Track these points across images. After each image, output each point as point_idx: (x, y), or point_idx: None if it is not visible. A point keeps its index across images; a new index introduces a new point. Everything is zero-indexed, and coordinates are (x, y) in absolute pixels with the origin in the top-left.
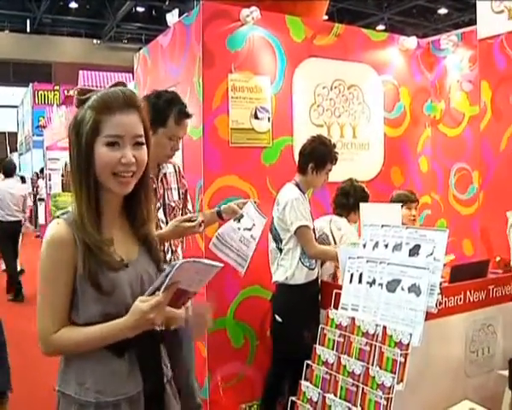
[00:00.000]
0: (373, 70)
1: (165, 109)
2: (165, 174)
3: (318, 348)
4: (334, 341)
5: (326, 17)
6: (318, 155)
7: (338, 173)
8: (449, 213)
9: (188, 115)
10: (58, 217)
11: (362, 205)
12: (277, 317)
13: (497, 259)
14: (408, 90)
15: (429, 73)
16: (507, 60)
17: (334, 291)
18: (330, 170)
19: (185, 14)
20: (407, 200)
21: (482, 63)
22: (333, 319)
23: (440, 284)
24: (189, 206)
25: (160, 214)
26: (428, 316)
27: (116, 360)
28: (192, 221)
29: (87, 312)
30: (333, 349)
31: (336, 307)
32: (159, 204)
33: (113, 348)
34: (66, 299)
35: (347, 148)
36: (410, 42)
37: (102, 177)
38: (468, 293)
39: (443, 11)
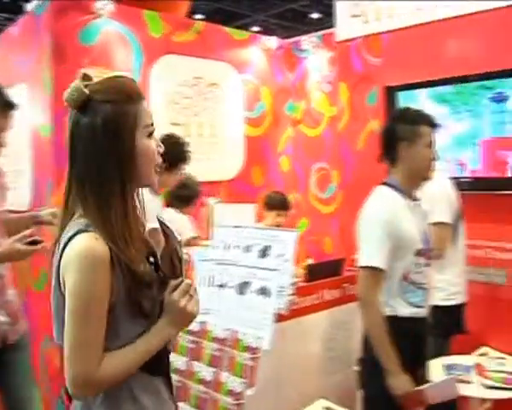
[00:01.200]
0: (233, 69)
1: None
2: None
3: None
4: (186, 347)
5: (201, 17)
6: (170, 154)
7: (196, 173)
8: (310, 213)
9: (12, 106)
10: (83, 231)
11: (215, 205)
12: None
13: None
14: (269, 89)
15: (290, 73)
16: (363, 62)
17: None
18: (184, 169)
19: (36, 2)
20: (280, 206)
21: (340, 65)
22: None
23: (295, 283)
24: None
25: None
26: (282, 317)
27: (160, 385)
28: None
29: (127, 337)
30: (186, 356)
31: None
32: None
33: (156, 372)
34: (104, 328)
35: (206, 147)
36: (271, 42)
37: (147, 173)
38: (323, 292)
39: (315, 15)
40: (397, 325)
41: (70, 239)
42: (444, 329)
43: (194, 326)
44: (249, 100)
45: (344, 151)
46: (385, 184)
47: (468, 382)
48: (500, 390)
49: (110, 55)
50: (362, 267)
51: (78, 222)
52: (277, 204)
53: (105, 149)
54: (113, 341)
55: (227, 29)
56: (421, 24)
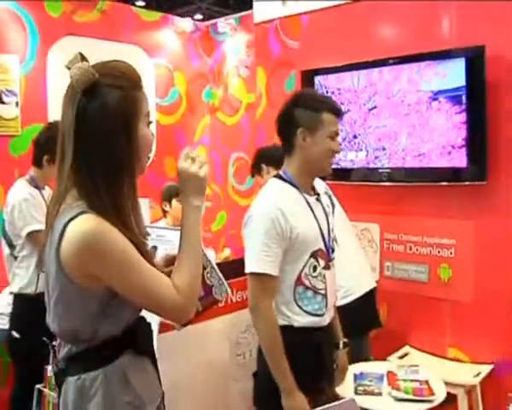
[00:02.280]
0: (144, 52)
1: None
2: None
3: (49, 369)
4: (53, 404)
5: (143, 3)
6: (52, 144)
7: None
8: (229, 205)
9: None
10: (85, 212)
11: None
12: (14, 333)
13: None
14: (184, 75)
15: (208, 57)
16: (281, 45)
17: (53, 343)
18: None
19: None
20: (178, 191)
21: (258, 49)
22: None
23: None
24: None
25: None
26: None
27: (148, 365)
28: None
29: (124, 319)
30: None
31: None
32: None
33: (143, 353)
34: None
35: None
36: (186, 24)
37: (144, 162)
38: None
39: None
40: (293, 337)
41: (70, 221)
42: (352, 328)
43: None
44: (161, 86)
45: (262, 140)
46: (277, 176)
47: (379, 393)
48: (410, 402)
49: (1, 36)
50: (248, 274)
51: (75, 206)
52: (176, 192)
53: (116, 135)
54: (111, 323)
55: (136, 9)
56: (341, 5)
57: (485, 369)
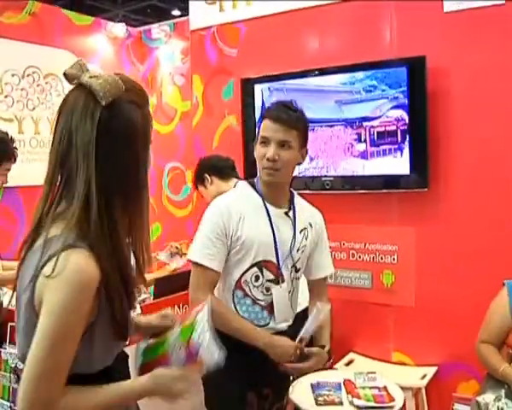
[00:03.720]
0: (75, 58)
1: None
2: None
3: (3, 352)
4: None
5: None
6: None
7: (32, 176)
8: (164, 216)
9: None
10: (72, 246)
11: None
12: None
13: None
14: None
15: (141, 64)
16: (218, 53)
17: (9, 324)
18: (9, 170)
19: None
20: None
21: (194, 56)
22: (7, 361)
23: (144, 300)
24: None
25: None
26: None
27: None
28: None
29: (101, 361)
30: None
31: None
32: None
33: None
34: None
35: (44, 146)
36: (119, 29)
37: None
38: (175, 308)
39: (176, 13)
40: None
41: (56, 254)
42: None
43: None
44: None
45: (198, 149)
46: (250, 181)
47: (340, 403)
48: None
49: None
50: (188, 261)
51: (65, 235)
52: None
53: (140, 154)
54: (86, 364)
55: (66, 12)
56: (280, 13)
57: (430, 371)
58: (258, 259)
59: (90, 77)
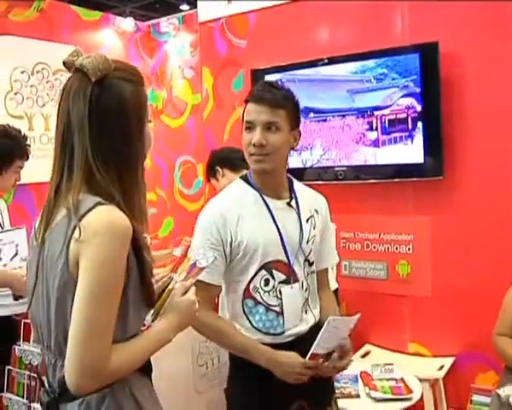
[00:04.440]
0: (84, 53)
1: None
2: None
3: (5, 398)
4: (24, 385)
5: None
6: (2, 150)
7: (42, 171)
8: (176, 211)
9: None
10: (102, 204)
11: None
12: None
13: None
14: None
15: (150, 58)
16: (227, 44)
17: (23, 321)
18: (21, 167)
19: None
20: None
21: (203, 48)
22: (21, 358)
23: None
24: None
25: None
26: None
27: (150, 385)
28: None
29: (134, 326)
30: (23, 396)
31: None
32: None
33: (147, 372)
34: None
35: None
36: (127, 24)
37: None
38: None
39: (185, 7)
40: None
41: (88, 212)
42: None
43: (33, 359)
44: None
45: (210, 142)
46: (243, 176)
47: (357, 395)
48: (390, 402)
49: None
50: None
51: (91, 198)
52: None
53: (132, 127)
54: (122, 329)
55: (75, 8)
56: (288, 2)
57: (448, 362)
58: (265, 260)
59: (83, 59)
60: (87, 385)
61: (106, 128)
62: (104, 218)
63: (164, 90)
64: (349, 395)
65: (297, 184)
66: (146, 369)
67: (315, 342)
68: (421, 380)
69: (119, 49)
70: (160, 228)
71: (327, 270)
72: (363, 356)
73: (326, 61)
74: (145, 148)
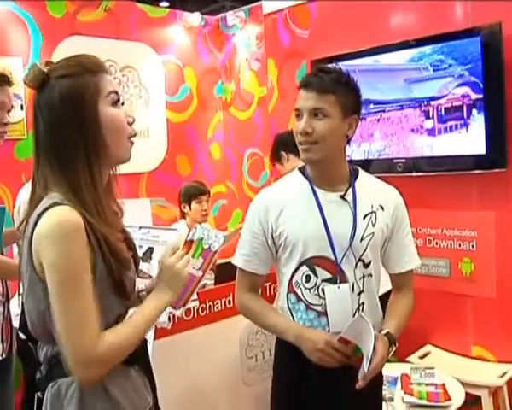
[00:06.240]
0: (152, 49)
1: None
2: None
3: None
4: None
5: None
6: None
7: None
8: (244, 203)
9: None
10: (57, 204)
11: None
12: (21, 334)
13: None
14: (194, 71)
15: (219, 52)
16: (291, 35)
17: None
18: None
19: None
20: (197, 193)
21: (268, 40)
22: None
23: (204, 286)
24: None
25: None
26: (185, 325)
27: (133, 373)
28: None
29: (112, 313)
30: None
31: None
32: None
33: (128, 361)
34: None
35: None
36: (194, 19)
37: (115, 144)
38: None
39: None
40: (283, 351)
41: (42, 213)
42: None
43: None
44: (171, 83)
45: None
46: (300, 168)
47: (391, 399)
48: (423, 408)
49: (3, 39)
50: None
51: (50, 197)
52: (194, 192)
53: (65, 120)
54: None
55: (141, 6)
56: None
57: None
58: (307, 256)
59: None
60: (88, 375)
61: (44, 131)
62: (51, 219)
63: (232, 83)
64: (383, 399)
65: (364, 178)
66: (129, 358)
67: (347, 326)
68: (480, 387)
69: (188, 44)
70: (230, 220)
71: (408, 274)
72: (422, 357)
73: (384, 48)
74: (96, 137)
